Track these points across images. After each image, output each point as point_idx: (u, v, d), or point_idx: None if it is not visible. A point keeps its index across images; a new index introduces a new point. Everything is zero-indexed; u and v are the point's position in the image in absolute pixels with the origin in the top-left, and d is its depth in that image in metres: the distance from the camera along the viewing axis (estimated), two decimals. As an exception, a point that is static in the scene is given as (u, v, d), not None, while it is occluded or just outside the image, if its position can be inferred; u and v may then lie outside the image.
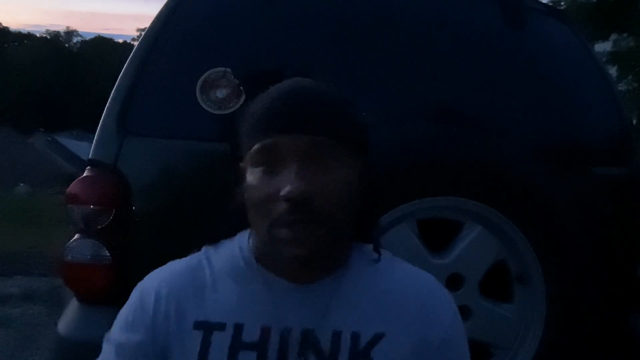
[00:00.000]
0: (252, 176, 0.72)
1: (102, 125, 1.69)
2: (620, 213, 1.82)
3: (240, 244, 0.80)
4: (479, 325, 1.65)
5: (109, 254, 1.59)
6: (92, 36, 56.43)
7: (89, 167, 1.68)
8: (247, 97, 1.65)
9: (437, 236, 1.68)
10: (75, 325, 1.61)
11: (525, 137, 1.80)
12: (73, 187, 1.64)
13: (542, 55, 1.91)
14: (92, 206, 1.61)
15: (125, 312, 0.79)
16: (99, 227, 1.59)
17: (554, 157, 1.80)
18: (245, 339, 0.73)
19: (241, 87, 1.67)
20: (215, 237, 0.83)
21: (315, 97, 0.73)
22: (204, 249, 0.83)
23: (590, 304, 1.67)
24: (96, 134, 1.70)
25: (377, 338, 0.75)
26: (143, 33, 1.88)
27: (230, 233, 0.83)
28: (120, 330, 0.77)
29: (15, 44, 51.45)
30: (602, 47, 9.43)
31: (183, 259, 0.82)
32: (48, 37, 54.11)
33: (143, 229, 1.65)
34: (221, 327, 0.74)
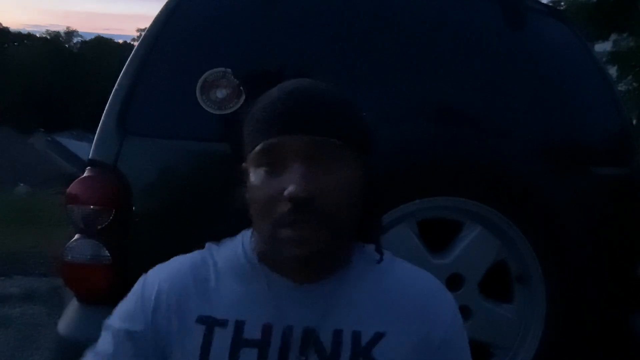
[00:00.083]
0: (254, 177, 0.73)
1: (102, 125, 1.69)
2: (620, 213, 1.82)
3: (242, 243, 0.81)
4: (479, 325, 1.65)
5: (109, 254, 1.60)
6: (92, 36, 56.51)
7: (89, 167, 1.68)
8: (247, 97, 1.65)
9: (437, 236, 1.68)
10: (75, 325, 1.62)
11: (525, 137, 1.80)
12: (73, 187, 1.64)
13: (542, 55, 1.91)
14: (92, 206, 1.61)
15: (126, 303, 0.79)
16: (99, 227, 1.60)
17: (554, 157, 1.80)
18: (247, 336, 0.73)
19: (241, 87, 1.67)
20: (216, 237, 0.84)
21: (317, 98, 0.73)
22: (207, 245, 0.83)
23: (590, 304, 1.67)
24: (96, 134, 1.70)
25: (378, 337, 0.75)
26: (143, 33, 1.88)
27: (232, 233, 0.84)
28: (120, 319, 0.78)
29: (15, 44, 51.46)
30: (602, 47, 9.43)
31: (187, 254, 0.82)
32: (48, 37, 54.12)
33: (143, 229, 1.65)
34: (223, 323, 0.74)
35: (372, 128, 0.78)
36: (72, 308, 1.68)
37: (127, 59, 1.75)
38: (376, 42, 1.81)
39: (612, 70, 9.13)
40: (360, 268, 0.79)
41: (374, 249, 0.82)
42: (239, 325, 0.74)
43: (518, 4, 2.01)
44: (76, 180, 1.67)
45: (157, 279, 0.79)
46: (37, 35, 55.90)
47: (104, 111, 1.70)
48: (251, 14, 1.79)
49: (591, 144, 1.94)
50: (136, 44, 1.90)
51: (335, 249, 0.74)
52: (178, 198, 1.68)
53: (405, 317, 0.77)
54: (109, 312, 0.81)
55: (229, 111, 1.66)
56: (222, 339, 0.73)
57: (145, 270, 0.83)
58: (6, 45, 49.66)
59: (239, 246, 0.81)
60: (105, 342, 0.77)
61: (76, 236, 1.62)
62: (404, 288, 0.80)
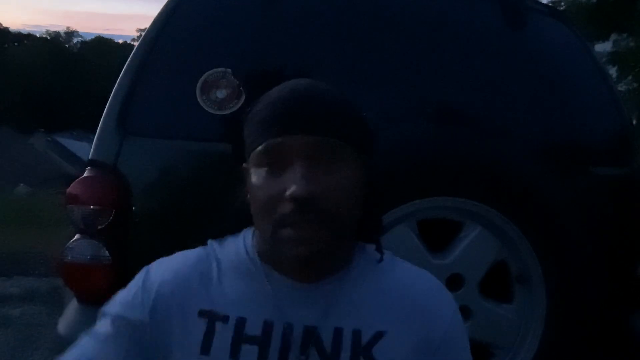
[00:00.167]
0: (256, 177, 0.73)
1: (102, 125, 1.69)
2: (620, 213, 1.83)
3: (244, 242, 0.81)
4: (479, 325, 1.65)
5: (109, 254, 1.60)
6: (92, 36, 56.47)
7: (89, 167, 1.68)
8: (247, 98, 1.65)
9: (437, 236, 1.68)
10: (75, 325, 1.62)
11: (525, 137, 1.80)
12: (73, 187, 1.64)
13: (542, 55, 1.91)
14: (92, 206, 1.61)
15: (126, 292, 0.79)
16: (99, 227, 1.60)
17: (554, 157, 1.80)
18: (248, 333, 0.74)
19: (241, 88, 1.67)
20: (216, 237, 0.84)
21: (318, 98, 0.73)
22: (209, 242, 0.83)
23: (590, 304, 1.67)
24: (96, 134, 1.70)
25: (378, 336, 0.75)
26: (143, 33, 1.88)
27: (232, 233, 0.84)
28: (119, 306, 0.77)
29: (15, 44, 51.44)
30: (602, 47, 9.42)
31: (190, 250, 0.82)
32: (48, 37, 54.10)
33: (143, 229, 1.65)
34: (224, 319, 0.74)
35: (372, 128, 0.79)
36: (72, 308, 1.68)
37: (127, 59, 1.75)
38: (376, 42, 1.81)
39: (612, 70, 9.13)
40: (360, 268, 0.80)
41: (374, 249, 0.82)
42: (240, 322, 0.74)
43: (518, 4, 2.01)
44: (76, 180, 1.67)
45: (160, 271, 0.79)
46: (37, 35, 55.93)
47: (104, 111, 1.70)
48: (251, 14, 1.79)
49: (591, 144, 1.94)
50: (136, 44, 1.90)
51: (336, 248, 0.74)
52: (178, 198, 1.68)
53: (405, 316, 0.77)
54: (109, 313, 0.81)
55: (229, 111, 1.66)
56: (223, 334, 0.74)
57: None
58: (6, 45, 49.64)
59: (241, 245, 0.81)
60: (102, 326, 0.76)
61: (76, 236, 1.62)
62: (404, 288, 0.80)
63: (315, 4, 1.85)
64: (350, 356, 0.74)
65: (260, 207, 0.72)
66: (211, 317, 0.74)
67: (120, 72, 1.73)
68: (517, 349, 1.69)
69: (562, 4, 10.17)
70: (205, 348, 0.73)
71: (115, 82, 1.72)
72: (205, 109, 1.67)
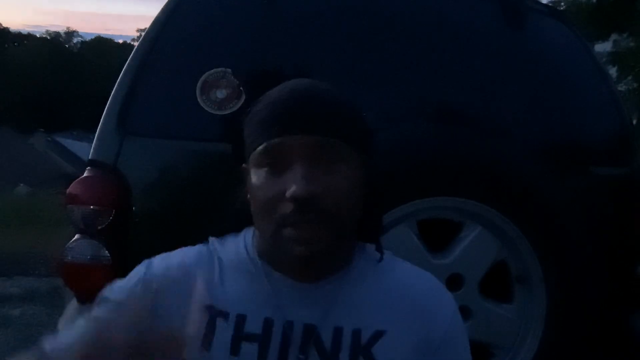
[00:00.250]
0: (256, 177, 0.73)
1: (102, 125, 1.69)
2: (620, 213, 1.83)
3: (245, 241, 0.81)
4: (479, 325, 1.65)
5: (108, 254, 1.60)
6: (92, 36, 56.47)
7: (89, 167, 1.68)
8: (247, 98, 1.65)
9: (437, 236, 1.68)
10: (75, 325, 1.61)
11: (525, 137, 1.80)
12: (73, 187, 1.64)
13: (542, 55, 1.91)
14: (92, 206, 1.61)
15: (126, 281, 0.78)
16: (99, 227, 1.60)
17: (554, 157, 1.80)
18: (248, 331, 0.73)
19: (241, 88, 1.67)
20: (216, 237, 0.84)
21: (318, 98, 0.73)
22: (210, 240, 0.83)
23: (590, 304, 1.67)
24: (96, 134, 1.70)
25: (378, 336, 0.75)
26: (143, 33, 1.88)
27: (232, 233, 0.84)
28: (120, 292, 0.76)
29: (15, 44, 51.44)
30: (602, 47, 9.42)
31: (192, 247, 0.82)
32: (48, 37, 54.10)
33: (143, 229, 1.65)
34: (225, 315, 0.74)
35: (371, 128, 0.79)
36: (72, 308, 1.68)
37: (127, 59, 1.75)
38: (376, 42, 1.81)
39: (612, 70, 9.13)
40: (361, 267, 0.80)
41: (374, 249, 0.82)
42: (240, 319, 0.74)
43: (518, 4, 2.01)
44: (76, 180, 1.67)
45: (163, 264, 0.79)
46: (37, 35, 55.93)
47: (104, 111, 1.70)
48: (251, 14, 1.79)
49: (591, 144, 1.94)
50: (136, 44, 1.90)
51: (336, 248, 0.74)
52: (178, 198, 1.68)
53: (405, 316, 0.77)
54: (108, 313, 0.80)
55: (229, 111, 1.66)
56: (224, 331, 0.73)
57: None
58: (6, 45, 49.64)
59: (241, 244, 0.81)
60: (101, 310, 0.74)
61: (76, 236, 1.62)
62: (404, 288, 0.80)
63: (315, 4, 1.85)
64: (349, 355, 0.74)
65: (261, 207, 0.72)
66: (212, 313, 0.74)
67: (120, 72, 1.73)
68: (517, 349, 1.69)
69: (562, 4, 10.17)
70: (206, 344, 0.73)
71: (115, 82, 1.72)
72: (205, 109, 1.67)
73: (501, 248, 1.68)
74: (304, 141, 0.70)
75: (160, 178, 1.72)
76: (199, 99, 1.67)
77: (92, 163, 1.68)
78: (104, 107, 1.71)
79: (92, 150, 1.69)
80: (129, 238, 1.62)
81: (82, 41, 55.06)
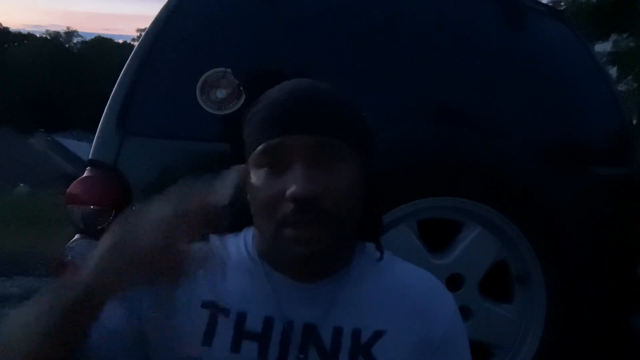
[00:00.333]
0: (256, 177, 0.73)
1: (102, 125, 1.69)
2: (620, 213, 1.82)
3: (245, 241, 0.81)
4: (479, 325, 1.65)
5: (109, 254, 1.59)
6: (92, 36, 56.40)
7: (89, 167, 1.68)
8: (247, 98, 1.65)
9: (437, 236, 1.68)
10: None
11: (525, 137, 1.80)
12: (73, 187, 1.64)
13: (542, 55, 1.91)
14: (92, 206, 1.61)
15: None
16: (99, 227, 1.59)
17: (554, 157, 1.80)
18: (248, 329, 0.73)
19: (241, 88, 1.67)
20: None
21: (318, 98, 0.73)
22: (211, 237, 0.83)
23: (590, 304, 1.67)
24: (96, 134, 1.70)
25: (378, 335, 0.75)
26: (143, 33, 1.88)
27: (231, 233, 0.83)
28: None
29: (15, 44, 51.42)
30: (602, 47, 9.41)
31: (194, 243, 0.81)
32: (48, 37, 54.07)
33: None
34: (226, 313, 0.74)
35: (371, 128, 0.79)
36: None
37: (127, 59, 1.75)
38: (376, 42, 1.81)
39: (612, 70, 9.12)
40: (361, 267, 0.80)
41: (374, 248, 0.82)
42: (241, 317, 0.74)
43: (518, 4, 2.01)
44: (76, 180, 1.67)
45: None
46: (37, 35, 55.87)
47: (104, 111, 1.70)
48: (251, 14, 1.79)
49: (591, 144, 1.94)
50: (136, 44, 1.90)
51: (337, 248, 0.75)
52: (178, 198, 1.68)
53: (405, 316, 0.77)
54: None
55: (229, 111, 1.66)
56: (225, 328, 0.73)
57: None
58: (6, 45, 49.62)
59: (242, 244, 0.81)
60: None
61: (76, 236, 1.62)
62: (404, 288, 0.80)
63: (315, 4, 1.85)
64: (349, 355, 0.74)
65: (261, 208, 0.72)
66: (214, 310, 0.74)
67: (120, 72, 1.73)
68: (517, 349, 1.69)
69: (562, 4, 10.16)
70: (207, 340, 0.73)
71: (115, 82, 1.72)
72: (205, 109, 1.67)
73: (501, 248, 1.67)
74: (304, 141, 0.70)
75: (160, 178, 1.71)
76: (199, 99, 1.67)
77: (92, 163, 1.68)
78: (104, 107, 1.71)
79: (92, 150, 1.69)
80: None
81: (82, 41, 55.03)
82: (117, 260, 0.60)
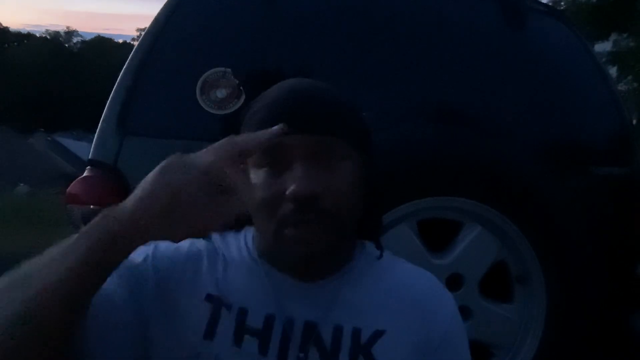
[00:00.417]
0: (255, 177, 0.72)
1: (102, 125, 1.69)
2: (620, 213, 1.83)
3: (245, 240, 0.81)
4: (479, 325, 1.65)
5: (109, 254, 1.59)
6: (92, 36, 56.32)
7: (89, 167, 1.69)
8: (247, 97, 1.65)
9: (437, 236, 1.68)
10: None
11: (525, 137, 1.80)
12: (73, 187, 1.64)
13: (542, 55, 1.91)
14: (92, 206, 1.61)
15: (132, 256, 0.70)
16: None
17: (554, 157, 1.80)
18: (250, 325, 0.73)
19: (241, 87, 1.67)
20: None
21: (317, 97, 0.73)
22: (212, 236, 0.83)
23: (590, 304, 1.67)
24: (96, 134, 1.70)
25: (378, 335, 0.75)
26: (143, 33, 1.88)
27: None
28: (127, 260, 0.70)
29: (15, 44, 51.39)
30: (602, 47, 9.42)
31: (197, 240, 0.81)
32: (48, 37, 54.04)
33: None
34: (228, 307, 0.74)
35: (370, 127, 0.79)
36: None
37: (127, 59, 1.75)
38: (376, 42, 1.81)
39: (612, 70, 9.12)
40: (361, 267, 0.80)
41: (374, 247, 0.82)
42: (242, 312, 0.74)
43: (518, 4, 2.01)
44: (76, 180, 1.67)
45: (171, 248, 0.77)
46: (37, 35, 55.82)
47: (104, 111, 1.70)
48: (251, 14, 1.79)
49: (591, 144, 1.94)
50: (136, 44, 1.90)
51: (337, 248, 0.75)
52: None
53: (405, 316, 0.77)
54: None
55: (229, 111, 1.66)
56: (228, 322, 0.73)
57: None
58: (6, 45, 49.60)
59: (242, 243, 0.81)
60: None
61: (76, 236, 1.62)
62: (404, 287, 0.80)
63: (315, 4, 1.85)
64: (349, 354, 0.73)
65: (261, 208, 0.72)
66: (217, 303, 0.74)
67: (120, 72, 1.73)
68: (517, 349, 1.69)
69: (562, 4, 10.17)
70: (209, 333, 0.73)
71: (115, 82, 1.72)
72: (205, 109, 1.67)
73: (501, 248, 1.68)
74: (304, 140, 0.70)
75: (160, 178, 1.71)
76: (199, 99, 1.67)
77: (92, 163, 1.68)
78: (104, 107, 1.71)
79: (92, 150, 1.69)
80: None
81: (82, 41, 54.98)
82: (161, 199, 0.59)
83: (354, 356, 0.73)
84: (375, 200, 0.80)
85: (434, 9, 1.91)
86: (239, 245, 0.81)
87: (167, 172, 0.61)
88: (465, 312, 1.63)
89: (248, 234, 0.82)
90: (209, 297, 0.74)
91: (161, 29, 1.75)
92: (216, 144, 0.64)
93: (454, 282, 1.64)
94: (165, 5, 1.78)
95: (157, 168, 0.62)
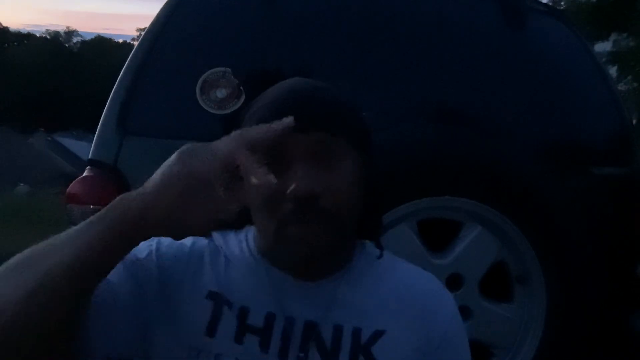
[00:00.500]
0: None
1: (102, 125, 1.69)
2: (620, 213, 1.83)
3: (246, 240, 0.81)
4: (479, 325, 1.65)
5: (109, 254, 1.59)
6: (92, 36, 56.31)
7: (89, 167, 1.69)
8: (247, 97, 1.65)
9: (437, 236, 1.68)
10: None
11: (525, 137, 1.80)
12: (73, 187, 1.64)
13: (542, 55, 1.91)
14: (92, 206, 1.61)
15: (135, 252, 0.72)
16: (98, 227, 1.59)
17: (554, 157, 1.80)
18: (250, 323, 0.73)
19: (241, 87, 1.67)
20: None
21: (317, 96, 0.73)
22: (214, 235, 0.83)
23: (590, 304, 1.67)
24: (96, 134, 1.70)
25: (378, 335, 0.75)
26: (143, 33, 1.88)
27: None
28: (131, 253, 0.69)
29: (15, 44, 51.38)
30: (602, 47, 9.41)
31: (199, 238, 0.81)
32: (48, 37, 54.02)
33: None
34: (229, 305, 0.74)
35: (370, 127, 0.79)
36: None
37: (127, 59, 1.75)
38: (376, 42, 1.81)
39: (612, 70, 9.12)
40: (361, 266, 0.80)
41: (374, 246, 0.82)
42: (243, 311, 0.74)
43: (518, 4, 2.01)
44: (76, 180, 1.67)
45: (173, 246, 0.77)
46: (37, 35, 55.83)
47: (104, 111, 1.70)
48: (251, 14, 1.79)
49: (591, 144, 1.94)
50: (136, 44, 1.90)
51: (337, 248, 0.75)
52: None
53: (405, 316, 0.77)
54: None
55: (229, 111, 1.66)
56: (229, 320, 0.73)
57: None
58: (6, 45, 49.59)
59: (243, 243, 0.81)
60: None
61: (76, 236, 1.62)
62: (404, 288, 0.80)
63: (315, 4, 1.85)
64: (350, 354, 0.74)
65: (262, 207, 0.72)
66: (219, 301, 0.74)
67: (120, 72, 1.73)
68: (517, 349, 1.69)
69: (562, 4, 10.17)
70: (211, 331, 0.73)
71: (115, 82, 1.72)
72: (205, 108, 1.67)
73: (501, 248, 1.67)
74: (304, 140, 0.70)
75: (160, 178, 1.71)
76: (199, 99, 1.67)
77: (92, 163, 1.68)
78: (104, 107, 1.71)
79: (92, 150, 1.69)
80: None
81: (82, 41, 54.95)
82: (180, 183, 0.60)
83: (354, 356, 0.73)
84: (375, 200, 0.80)
85: (433, 9, 1.91)
86: (240, 244, 0.81)
87: (187, 157, 0.62)
88: (465, 312, 1.63)
89: (249, 233, 0.82)
90: (211, 295, 0.74)
91: (161, 29, 1.75)
92: (231, 134, 0.65)
93: (454, 282, 1.64)
94: (165, 5, 1.78)
95: (176, 153, 0.63)
